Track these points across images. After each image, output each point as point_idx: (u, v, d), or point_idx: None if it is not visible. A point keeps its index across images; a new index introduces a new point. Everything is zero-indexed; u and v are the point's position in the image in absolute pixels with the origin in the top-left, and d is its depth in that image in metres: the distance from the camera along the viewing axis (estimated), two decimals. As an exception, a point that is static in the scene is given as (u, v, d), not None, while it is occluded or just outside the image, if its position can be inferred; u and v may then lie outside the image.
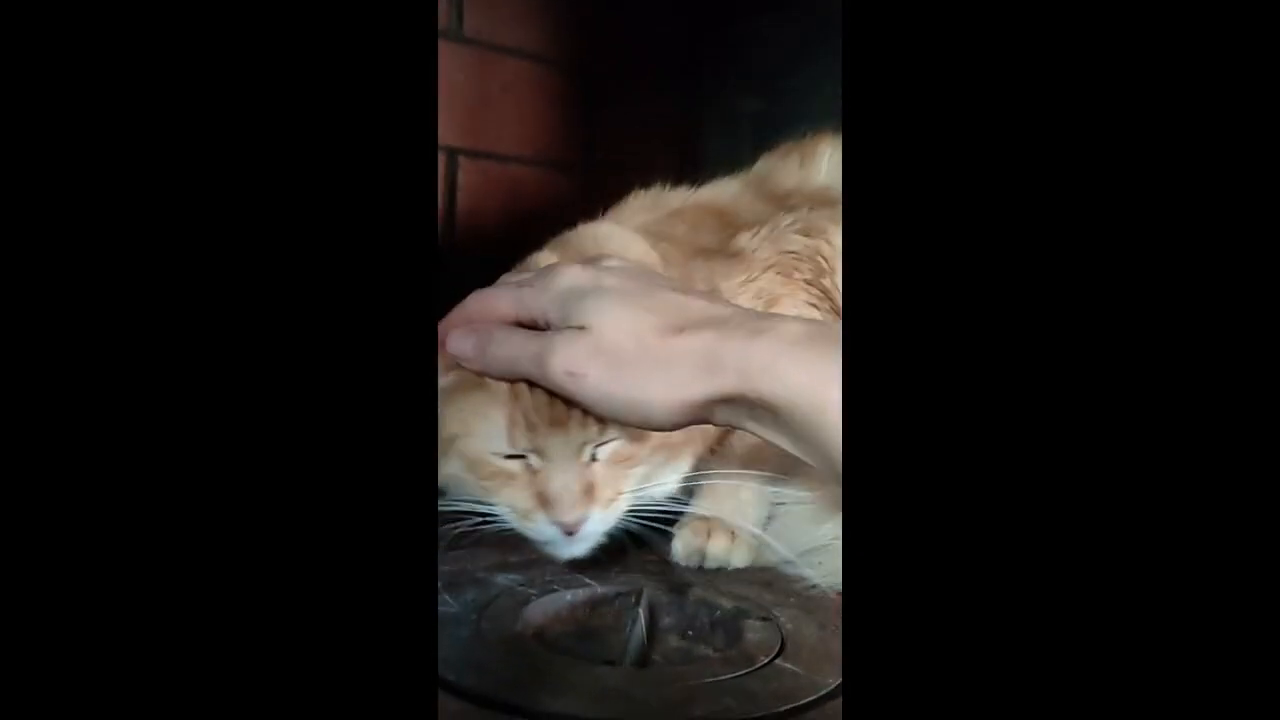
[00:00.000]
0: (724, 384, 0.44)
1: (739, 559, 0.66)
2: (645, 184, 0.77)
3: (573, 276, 0.50)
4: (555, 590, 0.58)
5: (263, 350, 0.32)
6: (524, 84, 1.05)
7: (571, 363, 0.47)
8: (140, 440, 0.31)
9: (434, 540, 0.35)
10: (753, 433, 0.47)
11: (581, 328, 0.47)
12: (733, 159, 1.28)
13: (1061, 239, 0.31)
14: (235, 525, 0.32)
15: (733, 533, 0.67)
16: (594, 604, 0.59)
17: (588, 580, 0.60)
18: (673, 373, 0.45)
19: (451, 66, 0.96)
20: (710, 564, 0.66)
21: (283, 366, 0.32)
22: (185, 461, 0.31)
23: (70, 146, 0.31)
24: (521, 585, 0.58)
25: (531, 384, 0.52)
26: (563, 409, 0.53)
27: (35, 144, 0.31)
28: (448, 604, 0.55)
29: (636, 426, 0.50)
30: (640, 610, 0.56)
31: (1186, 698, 0.29)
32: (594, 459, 0.57)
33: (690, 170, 1.28)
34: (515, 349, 0.50)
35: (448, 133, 0.97)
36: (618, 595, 0.59)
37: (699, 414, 0.47)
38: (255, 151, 0.33)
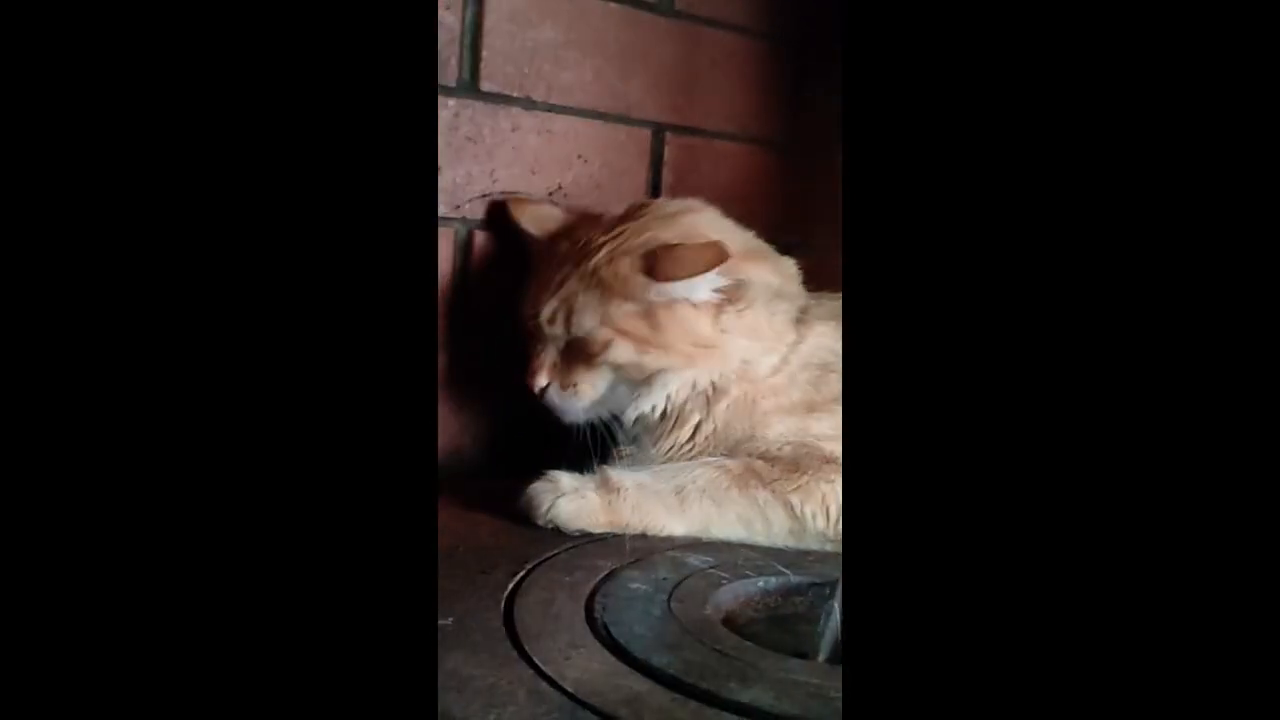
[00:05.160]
0: None
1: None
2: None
3: None
4: (748, 575, 0.57)
5: (261, 334, 0.33)
6: (733, 59, 1.03)
7: None
8: (140, 437, 0.32)
9: (433, 542, 0.36)
10: None
11: None
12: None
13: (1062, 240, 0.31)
14: (232, 518, 0.32)
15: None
16: (786, 592, 0.57)
17: (781, 568, 0.59)
18: None
19: (661, 41, 0.96)
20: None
21: (282, 350, 0.33)
22: (182, 453, 0.32)
23: (75, 123, 0.32)
24: (713, 568, 0.58)
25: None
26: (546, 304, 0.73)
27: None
28: (637, 581, 0.55)
29: None
30: (835, 603, 0.54)
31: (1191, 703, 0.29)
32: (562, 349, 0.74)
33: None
34: None
35: (655, 108, 0.96)
36: (811, 585, 0.57)
37: None
38: (249, 131, 0.33)
